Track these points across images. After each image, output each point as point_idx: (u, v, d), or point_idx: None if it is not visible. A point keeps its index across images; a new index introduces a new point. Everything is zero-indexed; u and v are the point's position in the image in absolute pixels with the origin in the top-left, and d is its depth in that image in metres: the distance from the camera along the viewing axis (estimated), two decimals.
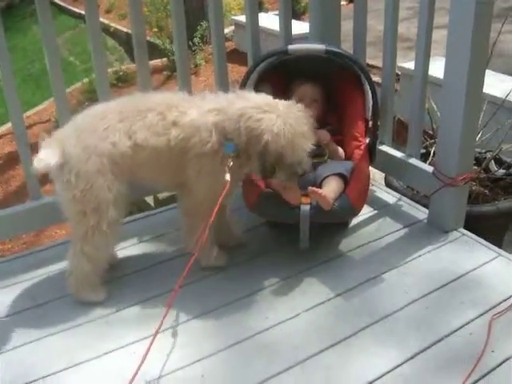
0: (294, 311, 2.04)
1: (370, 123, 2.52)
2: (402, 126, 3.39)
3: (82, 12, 8.95)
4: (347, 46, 2.65)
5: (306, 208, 2.12)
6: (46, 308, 2.12)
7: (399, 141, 3.04)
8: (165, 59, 7.69)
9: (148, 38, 3.33)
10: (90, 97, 6.81)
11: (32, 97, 8.49)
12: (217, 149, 1.99)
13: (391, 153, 2.69)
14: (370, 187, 2.48)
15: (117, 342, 1.93)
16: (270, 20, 6.02)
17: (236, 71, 6.29)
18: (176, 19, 2.56)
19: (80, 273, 2.07)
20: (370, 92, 2.47)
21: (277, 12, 3.27)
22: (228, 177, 1.96)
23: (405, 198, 2.73)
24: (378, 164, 2.64)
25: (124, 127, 1.98)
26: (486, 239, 2.38)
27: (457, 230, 2.43)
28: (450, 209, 2.41)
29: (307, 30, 2.88)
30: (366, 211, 2.58)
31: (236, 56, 6.69)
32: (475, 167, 2.78)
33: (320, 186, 2.19)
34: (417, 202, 2.69)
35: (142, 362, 1.72)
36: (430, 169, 2.46)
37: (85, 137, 1.95)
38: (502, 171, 3.05)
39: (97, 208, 1.96)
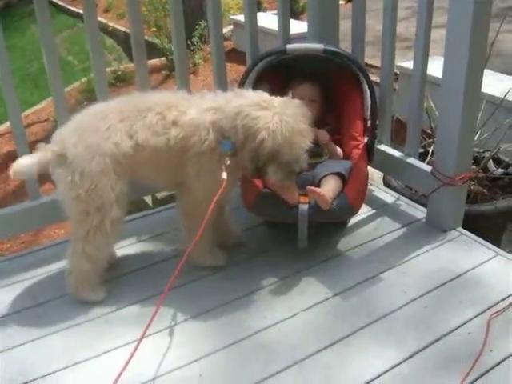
0: (292, 311, 2.04)
1: (369, 122, 2.53)
2: (401, 125, 3.41)
3: (80, 11, 8.91)
4: (346, 46, 2.65)
5: (304, 207, 2.12)
6: (46, 307, 2.12)
7: (398, 140, 3.04)
8: (163, 59, 7.69)
9: (146, 38, 3.34)
10: (89, 96, 6.81)
11: (30, 96, 8.48)
12: (214, 147, 1.99)
13: (390, 152, 2.69)
14: (369, 186, 2.49)
15: (116, 341, 1.93)
16: (268, 19, 6.04)
17: (234, 70, 6.29)
18: (175, 18, 2.56)
19: (79, 272, 2.08)
20: (368, 91, 2.47)
21: (275, 11, 3.27)
22: (225, 175, 1.96)
23: (403, 198, 2.73)
24: (377, 163, 2.64)
25: (125, 127, 1.99)
26: (484, 238, 2.38)
27: (455, 230, 2.43)
28: (448, 208, 2.41)
29: (305, 30, 2.88)
30: (365, 210, 2.58)
31: (234, 55, 6.69)
32: (473, 167, 2.78)
33: (318, 186, 2.19)
34: (415, 201, 2.70)
35: (125, 366, 1.70)
36: (428, 168, 2.46)
37: (87, 136, 1.95)
38: (500, 171, 3.05)
39: (100, 207, 1.97)
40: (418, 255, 2.30)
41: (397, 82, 4.57)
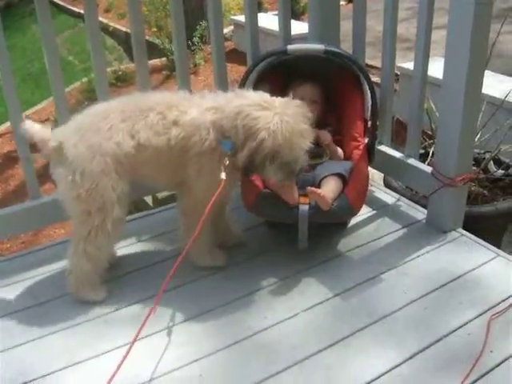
0: (293, 311, 2.04)
1: (369, 123, 2.52)
2: (401, 126, 3.40)
3: (81, 11, 8.96)
4: (346, 46, 2.65)
5: (304, 208, 2.12)
6: (46, 307, 2.13)
7: (398, 141, 3.04)
8: (164, 59, 7.69)
9: (147, 38, 3.33)
10: (89, 96, 6.80)
11: (31, 96, 8.48)
12: (214, 147, 1.99)
13: (390, 153, 2.69)
14: (369, 187, 2.48)
15: (116, 341, 1.93)
16: (269, 20, 6.03)
17: (235, 71, 6.29)
18: (175, 19, 2.56)
19: (80, 272, 2.08)
20: (369, 92, 2.47)
21: (276, 12, 3.27)
22: (223, 175, 1.96)
23: (403, 199, 2.73)
24: (377, 164, 2.64)
25: (127, 127, 1.99)
26: (484, 240, 2.38)
27: (455, 231, 2.43)
28: (448, 209, 2.41)
29: (306, 30, 2.88)
30: (365, 211, 2.58)
31: (235, 56, 6.69)
32: (474, 168, 2.79)
33: (319, 186, 2.19)
34: (416, 202, 2.70)
35: (117, 370, 1.70)
36: (428, 169, 2.46)
37: (89, 136, 1.96)
38: (500, 172, 3.05)
39: (102, 207, 1.97)
40: (419, 256, 2.30)
41: (397, 82, 4.57)
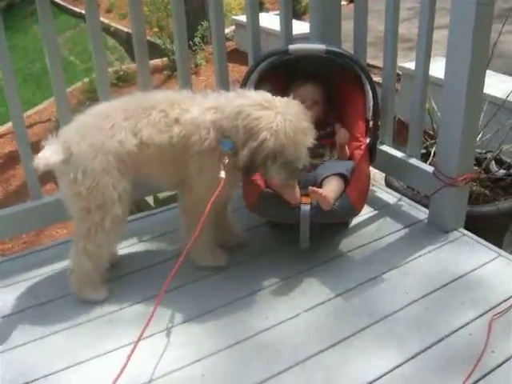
0: (295, 311, 2.04)
1: (371, 123, 2.52)
2: (403, 126, 3.39)
3: (83, 11, 8.92)
4: (348, 46, 2.65)
5: (306, 208, 2.12)
6: (48, 307, 2.13)
7: (400, 141, 3.04)
8: (165, 59, 7.70)
9: (148, 38, 3.33)
10: (91, 96, 6.81)
11: (32, 96, 8.49)
12: (214, 146, 1.99)
13: (392, 153, 2.69)
14: (371, 187, 2.48)
15: (118, 341, 1.93)
16: (270, 20, 6.02)
17: (236, 71, 6.29)
18: (176, 19, 2.56)
19: (81, 271, 2.08)
20: (370, 92, 2.47)
21: (277, 12, 3.28)
22: (223, 174, 1.96)
23: (405, 198, 2.73)
24: (379, 164, 2.64)
25: (129, 125, 1.99)
26: (486, 239, 2.38)
27: (457, 230, 2.43)
28: (450, 209, 2.41)
29: (308, 30, 2.88)
30: (367, 211, 2.58)
31: (236, 56, 6.69)
32: (476, 167, 2.78)
33: (320, 186, 2.19)
34: (417, 202, 2.69)
35: (121, 372, 1.70)
36: (430, 169, 2.46)
37: (91, 135, 1.96)
38: (502, 171, 3.05)
39: (102, 205, 1.97)
40: (420, 256, 2.30)
41: (399, 82, 4.56)
